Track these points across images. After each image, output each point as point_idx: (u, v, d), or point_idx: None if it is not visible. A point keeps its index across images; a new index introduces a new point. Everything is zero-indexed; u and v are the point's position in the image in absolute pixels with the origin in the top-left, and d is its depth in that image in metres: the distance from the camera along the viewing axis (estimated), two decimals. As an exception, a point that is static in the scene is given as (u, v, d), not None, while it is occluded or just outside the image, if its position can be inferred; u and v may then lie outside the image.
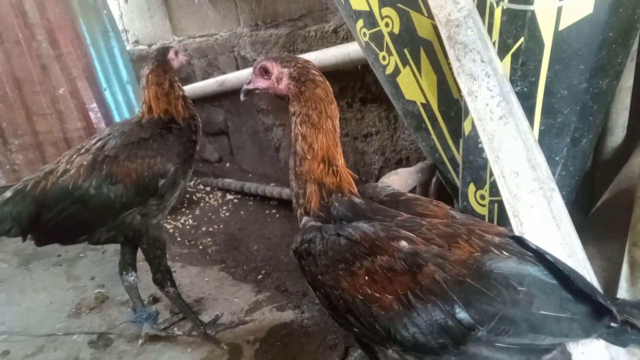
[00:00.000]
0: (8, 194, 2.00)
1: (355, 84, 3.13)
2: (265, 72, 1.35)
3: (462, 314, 1.02)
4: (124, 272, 2.30)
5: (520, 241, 1.12)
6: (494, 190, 1.60)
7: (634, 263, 1.40)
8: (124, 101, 5.34)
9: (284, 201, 3.74)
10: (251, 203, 4.06)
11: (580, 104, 1.45)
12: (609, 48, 1.39)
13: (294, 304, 2.54)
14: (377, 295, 1.08)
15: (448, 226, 1.16)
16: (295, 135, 1.32)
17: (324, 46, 3.17)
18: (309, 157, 1.30)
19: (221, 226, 3.68)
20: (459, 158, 1.81)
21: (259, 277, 2.89)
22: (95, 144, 2.08)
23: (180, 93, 2.21)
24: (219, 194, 4.30)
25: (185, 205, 4.15)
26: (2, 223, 1.97)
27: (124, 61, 5.32)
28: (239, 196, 4.20)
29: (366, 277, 1.10)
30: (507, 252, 1.09)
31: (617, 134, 1.76)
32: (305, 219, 1.37)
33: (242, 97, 1.44)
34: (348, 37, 3.04)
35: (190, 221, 3.82)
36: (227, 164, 4.74)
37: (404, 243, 1.10)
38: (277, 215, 3.75)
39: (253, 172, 4.48)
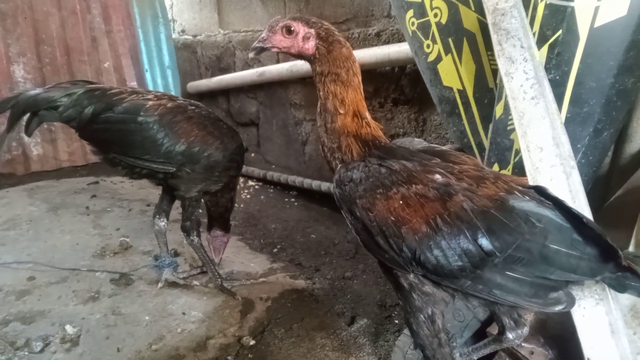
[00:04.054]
0: (91, 86, 2.24)
1: (390, 85, 3.30)
2: (288, 32, 1.38)
3: (483, 240, 1.15)
4: (157, 216, 2.44)
5: (541, 191, 1.26)
6: (517, 170, 1.73)
7: (639, 245, 1.51)
8: (162, 84, 5.62)
9: (304, 191, 3.89)
10: (271, 190, 4.22)
11: (605, 97, 1.60)
12: (637, 50, 1.54)
13: (306, 275, 2.66)
14: (409, 218, 1.22)
15: (478, 171, 1.30)
16: (326, 93, 1.40)
17: (366, 48, 3.36)
18: (342, 112, 1.40)
19: (241, 205, 3.83)
20: (486, 143, 1.95)
21: (275, 250, 3.02)
22: (185, 101, 2.35)
23: None
24: (241, 179, 4.46)
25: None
26: (72, 108, 2.18)
27: (168, 47, 5.61)
28: (260, 183, 4.37)
29: (400, 202, 1.23)
30: (529, 197, 1.22)
31: (636, 141, 1.89)
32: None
33: (252, 55, 1.49)
34: (389, 41, 3.24)
35: (212, 198, 3.98)
36: (252, 154, 4.92)
37: (438, 176, 1.25)
38: (296, 204, 3.90)
39: (276, 164, 4.65)
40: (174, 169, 2.23)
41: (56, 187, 4.06)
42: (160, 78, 5.61)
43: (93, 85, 2.30)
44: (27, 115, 2.24)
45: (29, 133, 2.26)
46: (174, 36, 5.88)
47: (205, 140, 2.22)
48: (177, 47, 5.74)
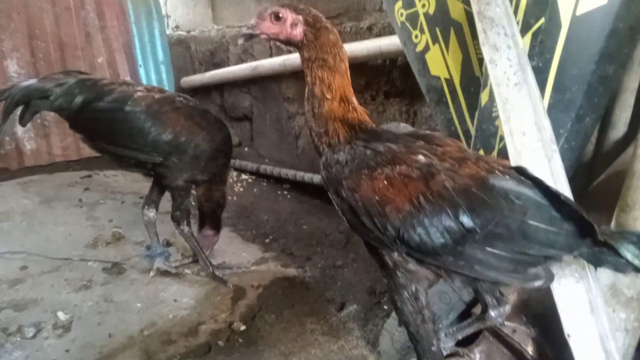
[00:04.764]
0: (83, 77, 2.28)
1: (381, 79, 3.34)
2: (276, 19, 1.41)
3: (464, 217, 1.19)
4: (146, 207, 2.47)
5: (521, 171, 1.29)
6: (501, 156, 1.76)
7: (619, 226, 1.55)
8: (156, 79, 5.62)
9: (297, 184, 3.92)
10: (265, 183, 4.25)
11: (587, 84, 1.64)
12: (617, 38, 1.59)
13: (298, 264, 2.70)
14: (393, 197, 1.25)
15: (460, 152, 1.34)
16: (313, 79, 1.43)
17: (358, 41, 3.40)
18: (329, 98, 1.43)
19: (234, 198, 3.86)
20: (472, 130, 1.98)
21: (267, 240, 3.05)
22: (174, 93, 2.40)
23: None
24: (235, 173, 4.49)
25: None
26: (63, 97, 2.21)
27: (162, 43, 5.61)
28: (253, 177, 4.40)
29: (385, 182, 1.27)
30: (509, 177, 1.26)
31: (619, 129, 1.94)
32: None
33: (241, 41, 1.50)
34: (381, 34, 3.27)
35: (205, 191, 4.00)
36: (246, 149, 4.95)
37: (421, 157, 1.28)
38: (289, 196, 3.93)
39: (270, 158, 4.68)
40: (161, 159, 2.26)
41: (49, 180, 4.07)
42: (154, 73, 5.61)
43: (85, 76, 2.32)
44: (21, 106, 2.26)
45: (23, 123, 2.29)
46: (167, 32, 5.88)
47: (192, 131, 2.25)
48: (171, 43, 5.75)
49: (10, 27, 4.67)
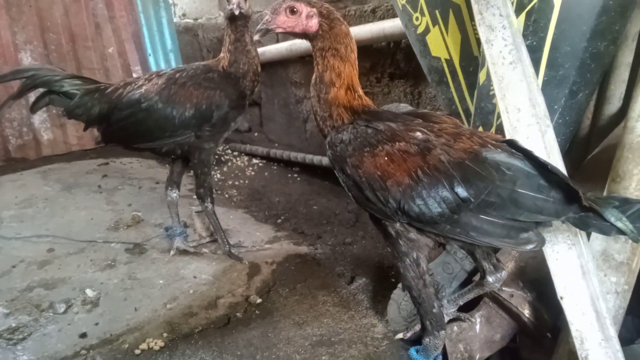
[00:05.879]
0: (91, 87, 2.40)
1: (386, 61, 3.41)
2: (292, 12, 1.49)
3: (459, 188, 1.29)
4: (169, 188, 2.60)
5: (512, 144, 1.39)
6: (499, 132, 1.86)
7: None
8: (166, 68, 5.72)
9: (306, 167, 4.03)
10: (275, 167, 4.37)
11: (579, 60, 1.71)
12: (608, 15, 1.65)
13: (309, 242, 2.83)
14: (393, 172, 1.36)
15: (455, 129, 1.44)
16: (324, 67, 1.52)
17: (362, 24, 3.46)
18: (337, 86, 1.52)
19: (246, 182, 3.99)
20: (472, 108, 2.07)
21: (279, 221, 3.18)
22: (171, 71, 2.47)
23: (249, 48, 2.46)
24: (246, 158, 4.61)
25: (214, 163, 4.46)
26: (78, 108, 2.38)
27: (170, 31, 5.70)
28: (264, 161, 4.51)
29: (385, 158, 1.37)
30: (501, 150, 1.36)
31: (614, 103, 2.01)
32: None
33: (257, 37, 1.58)
34: (385, 17, 3.33)
35: (218, 175, 4.14)
36: (255, 134, 5.06)
37: (418, 133, 1.38)
38: (299, 179, 4.05)
39: (279, 142, 4.78)
40: (194, 133, 2.40)
41: (68, 169, 4.22)
42: (163, 62, 5.72)
43: (89, 86, 2.44)
44: (40, 92, 2.39)
45: (33, 110, 2.44)
46: (175, 20, 5.97)
47: (206, 95, 2.36)
48: (179, 31, 5.84)
49: (22, 20, 4.79)
